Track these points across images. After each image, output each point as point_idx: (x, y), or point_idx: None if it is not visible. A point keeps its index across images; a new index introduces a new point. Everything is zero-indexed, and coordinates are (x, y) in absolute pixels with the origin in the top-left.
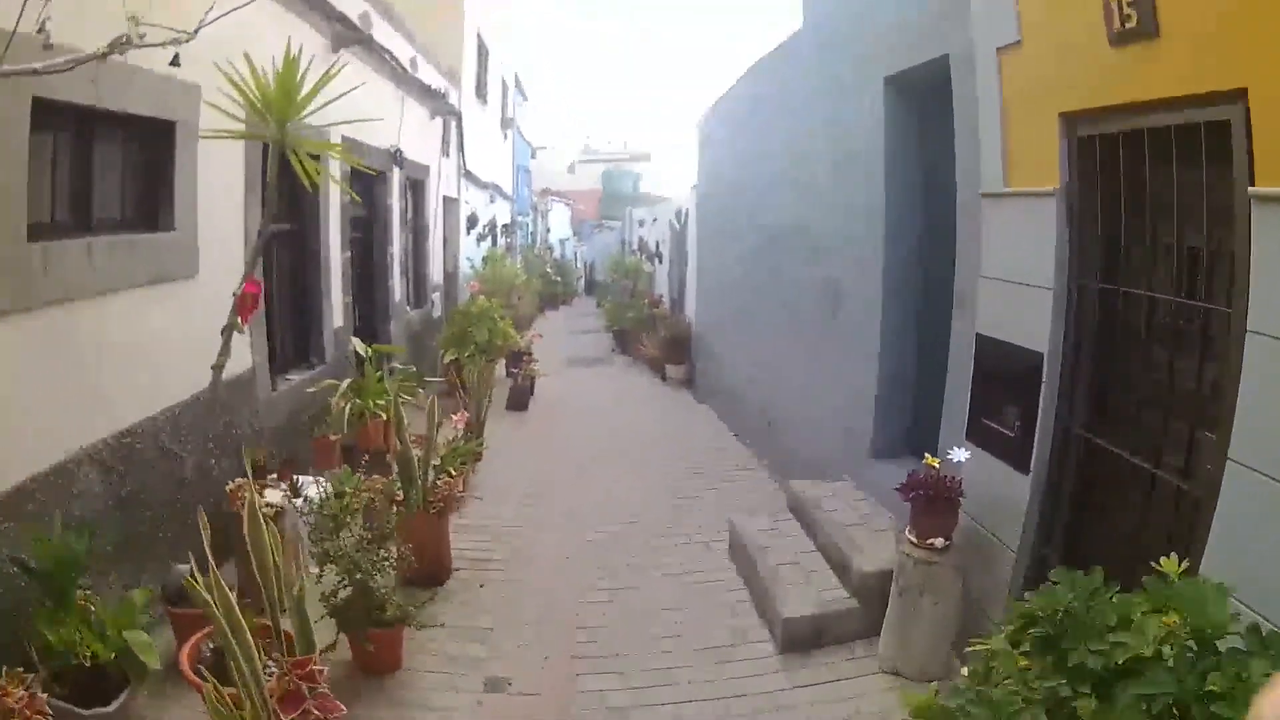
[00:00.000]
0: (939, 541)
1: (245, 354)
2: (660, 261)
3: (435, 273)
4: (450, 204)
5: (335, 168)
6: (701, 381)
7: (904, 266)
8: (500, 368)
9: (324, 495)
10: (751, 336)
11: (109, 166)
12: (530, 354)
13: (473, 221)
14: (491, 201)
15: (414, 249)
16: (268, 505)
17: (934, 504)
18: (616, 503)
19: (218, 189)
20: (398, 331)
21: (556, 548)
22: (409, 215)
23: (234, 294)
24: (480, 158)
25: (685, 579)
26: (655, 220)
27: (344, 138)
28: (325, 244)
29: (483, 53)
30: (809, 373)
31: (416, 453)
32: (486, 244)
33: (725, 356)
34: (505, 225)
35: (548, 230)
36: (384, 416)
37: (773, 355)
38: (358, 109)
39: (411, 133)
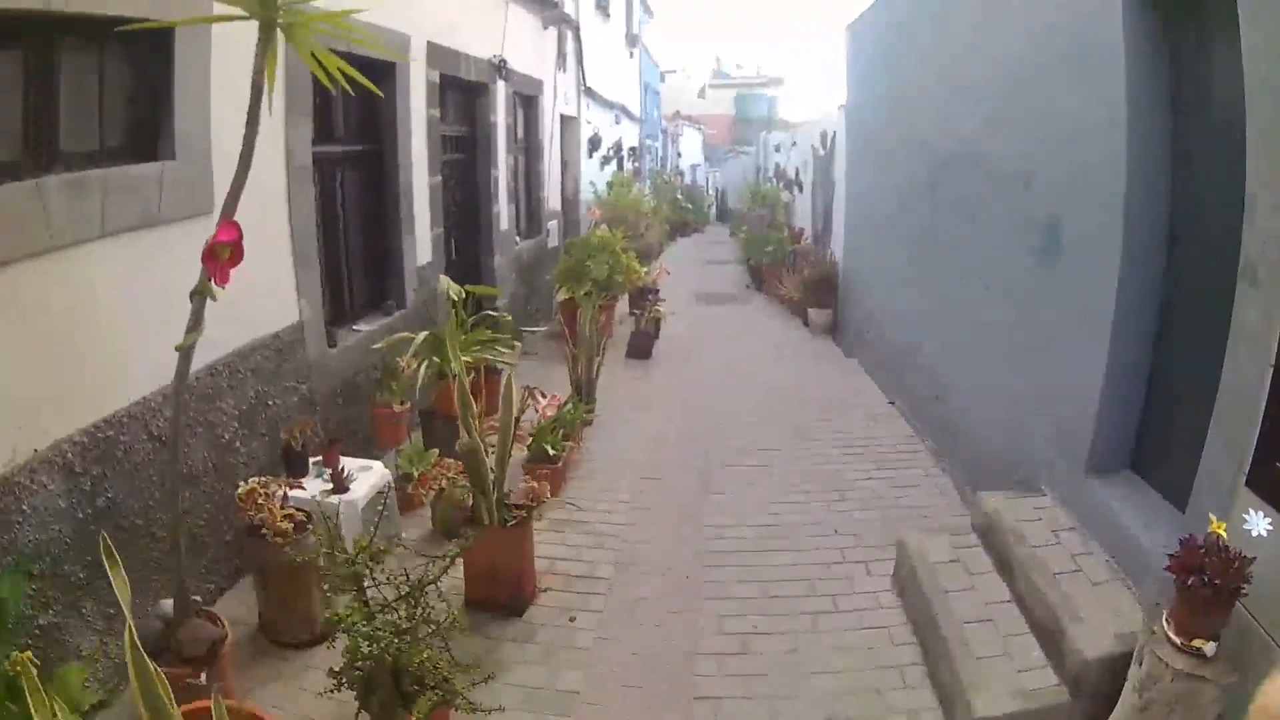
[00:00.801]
0: (1209, 648)
1: (290, 304)
2: (800, 190)
3: (552, 198)
4: (569, 123)
5: (419, 76)
6: (850, 331)
7: (1153, 212)
8: (623, 303)
9: (334, 528)
10: (918, 282)
11: (82, 86)
12: (656, 291)
13: (595, 143)
14: (617, 123)
15: (526, 172)
16: (286, 518)
17: (1218, 596)
18: (751, 491)
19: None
20: (504, 265)
21: (673, 561)
22: (519, 135)
23: (206, 242)
24: (603, 75)
25: (838, 621)
26: (795, 145)
27: (429, 44)
28: (407, 167)
29: None
30: (1001, 338)
31: (491, 444)
32: (611, 168)
33: (881, 304)
34: (632, 148)
35: (679, 155)
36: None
37: (948, 309)
38: (443, 9)
39: (519, 43)
